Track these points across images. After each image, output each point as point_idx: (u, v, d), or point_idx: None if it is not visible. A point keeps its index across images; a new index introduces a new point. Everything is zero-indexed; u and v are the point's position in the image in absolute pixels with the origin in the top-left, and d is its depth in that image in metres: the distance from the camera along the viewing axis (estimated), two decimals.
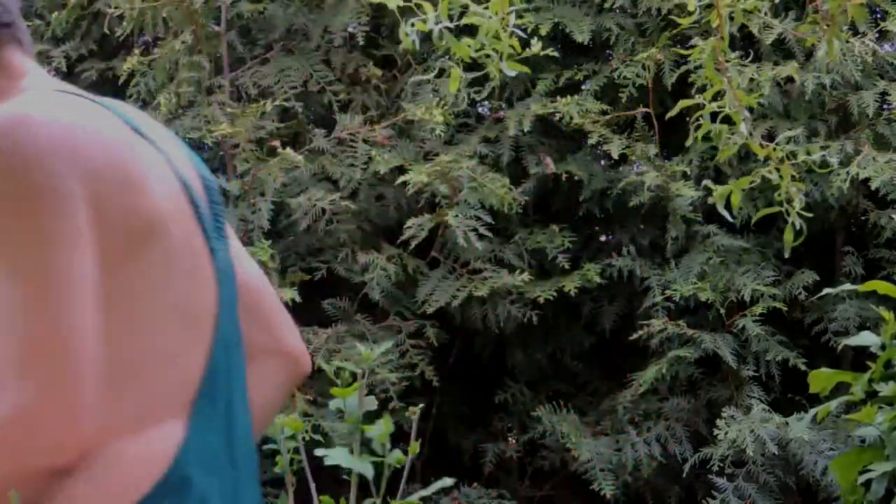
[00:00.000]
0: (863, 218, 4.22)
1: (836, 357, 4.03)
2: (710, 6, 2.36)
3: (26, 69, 1.40)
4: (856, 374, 2.56)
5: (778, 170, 2.44)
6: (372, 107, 4.35)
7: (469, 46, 2.17)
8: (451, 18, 2.15)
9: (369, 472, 2.11)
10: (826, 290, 2.90)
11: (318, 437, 3.74)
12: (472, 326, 4.26)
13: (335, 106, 4.30)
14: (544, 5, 4.28)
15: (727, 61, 2.36)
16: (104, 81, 4.69)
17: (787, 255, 2.94)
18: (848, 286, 2.82)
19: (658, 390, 4.19)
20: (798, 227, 2.42)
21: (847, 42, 3.87)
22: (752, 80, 3.87)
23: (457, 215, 3.98)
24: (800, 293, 4.01)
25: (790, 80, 4.03)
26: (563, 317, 4.48)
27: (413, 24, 2.10)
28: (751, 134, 2.27)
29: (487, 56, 2.19)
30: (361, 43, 4.24)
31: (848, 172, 3.85)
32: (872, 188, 3.88)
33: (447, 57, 2.16)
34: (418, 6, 2.13)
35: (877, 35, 3.99)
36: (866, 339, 2.56)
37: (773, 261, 4.11)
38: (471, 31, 2.26)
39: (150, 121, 1.37)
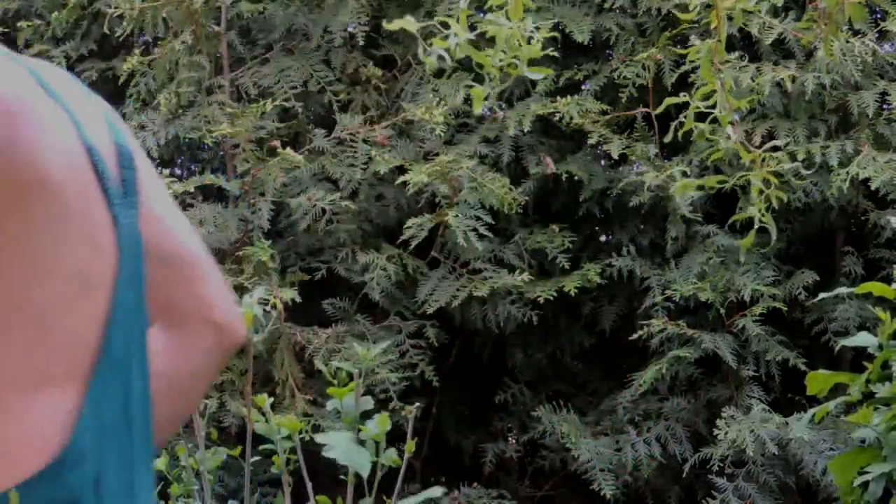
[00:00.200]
0: (863, 218, 4.22)
1: (836, 357, 4.03)
2: (709, 6, 2.36)
3: None
4: (853, 374, 2.56)
5: (776, 173, 2.44)
6: (372, 107, 4.36)
7: (490, 57, 2.18)
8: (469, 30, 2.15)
9: (366, 468, 2.11)
10: (822, 295, 2.90)
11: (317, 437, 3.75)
12: (472, 326, 4.26)
13: (335, 106, 4.30)
14: (544, 5, 4.28)
15: (726, 62, 2.36)
16: (104, 81, 4.70)
17: (741, 259, 2.95)
18: (845, 289, 2.82)
19: (658, 390, 4.19)
20: (772, 234, 2.42)
21: (847, 42, 3.87)
22: (752, 79, 3.87)
23: (457, 215, 3.98)
24: (800, 293, 4.01)
25: (791, 79, 4.02)
26: (563, 317, 4.48)
27: (435, 43, 2.11)
28: (750, 134, 2.27)
29: (511, 64, 2.20)
30: (361, 43, 4.25)
31: (848, 172, 3.85)
32: (872, 188, 3.88)
33: (455, 70, 2.15)
34: (443, 23, 2.13)
35: (877, 35, 3.99)
36: (864, 339, 2.55)
37: (773, 261, 4.11)
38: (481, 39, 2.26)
39: (69, 84, 1.34)
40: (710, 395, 4.12)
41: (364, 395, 2.21)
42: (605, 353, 4.60)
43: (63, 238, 1.19)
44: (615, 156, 4.07)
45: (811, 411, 2.66)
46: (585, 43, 4.20)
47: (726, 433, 3.76)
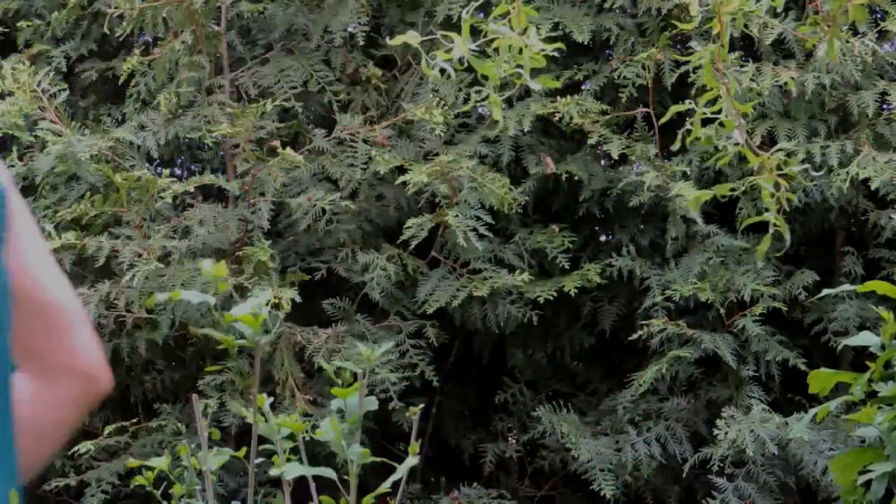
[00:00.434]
0: (863, 218, 4.22)
1: (836, 357, 4.03)
2: (710, 7, 2.36)
3: None
4: (855, 374, 2.56)
5: (781, 176, 2.44)
6: (372, 107, 4.36)
7: (494, 67, 2.18)
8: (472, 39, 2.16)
9: (332, 474, 2.11)
10: (825, 291, 2.90)
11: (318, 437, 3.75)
12: (472, 326, 4.26)
13: (335, 106, 4.30)
14: (544, 5, 4.28)
15: (727, 65, 2.36)
16: (104, 81, 4.70)
17: (759, 265, 2.96)
18: (847, 287, 2.82)
19: (658, 390, 4.19)
20: (786, 237, 2.42)
21: (847, 42, 3.87)
22: (752, 80, 3.87)
23: (457, 215, 3.98)
24: (800, 293, 4.01)
25: (793, 82, 4.02)
26: (563, 317, 4.48)
27: (439, 55, 2.11)
28: (750, 135, 2.27)
29: (514, 73, 2.20)
30: (361, 43, 4.25)
31: (848, 172, 3.85)
32: (872, 188, 3.88)
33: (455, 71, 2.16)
34: (447, 37, 2.13)
35: (877, 35, 3.99)
36: (866, 339, 2.55)
37: (773, 261, 4.11)
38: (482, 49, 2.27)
39: None
40: (710, 395, 4.12)
41: (366, 395, 2.20)
42: (605, 353, 4.60)
43: None
44: (615, 156, 4.07)
45: (812, 411, 2.66)
46: (585, 43, 4.20)
47: (726, 433, 3.76)
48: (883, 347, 2.50)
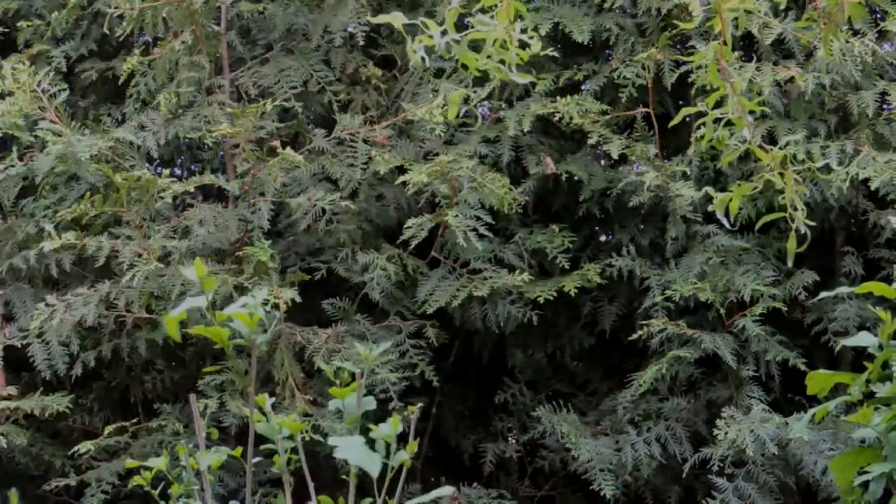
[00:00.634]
0: (863, 218, 4.22)
1: (836, 357, 4.03)
2: (710, 7, 2.36)
3: None
4: (854, 374, 2.56)
5: (782, 174, 2.44)
6: (372, 107, 4.36)
7: (477, 59, 2.18)
8: (457, 30, 2.15)
9: (376, 470, 2.10)
10: (823, 294, 2.90)
11: (318, 437, 3.75)
12: (472, 326, 4.26)
13: (335, 106, 4.30)
14: (544, 5, 4.28)
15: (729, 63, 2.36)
16: (104, 81, 4.70)
17: (789, 264, 2.95)
18: (845, 288, 2.81)
19: (658, 390, 4.19)
20: (803, 233, 2.42)
21: (847, 42, 3.87)
22: (751, 80, 3.86)
23: (457, 215, 3.98)
24: (800, 293, 4.01)
25: (790, 80, 4.02)
26: (563, 317, 4.48)
27: (419, 41, 2.11)
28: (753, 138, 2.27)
29: (496, 66, 2.20)
30: (361, 43, 4.25)
31: (848, 172, 3.85)
32: (872, 188, 3.88)
33: (455, 70, 2.16)
34: (424, 23, 2.13)
35: (876, 35, 3.99)
36: (864, 339, 2.55)
37: (773, 261, 4.11)
38: (474, 41, 2.26)
39: None
40: (710, 395, 4.12)
41: (365, 395, 2.21)
42: (605, 353, 4.60)
43: None
44: (615, 156, 4.07)
45: (811, 411, 2.66)
46: (585, 43, 4.20)
47: (726, 433, 3.76)
48: (881, 348, 2.50)
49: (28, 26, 4.58)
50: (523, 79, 2.27)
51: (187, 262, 4.01)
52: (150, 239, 3.99)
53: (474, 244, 3.93)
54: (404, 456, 2.16)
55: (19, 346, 4.12)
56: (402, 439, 2.27)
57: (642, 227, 4.39)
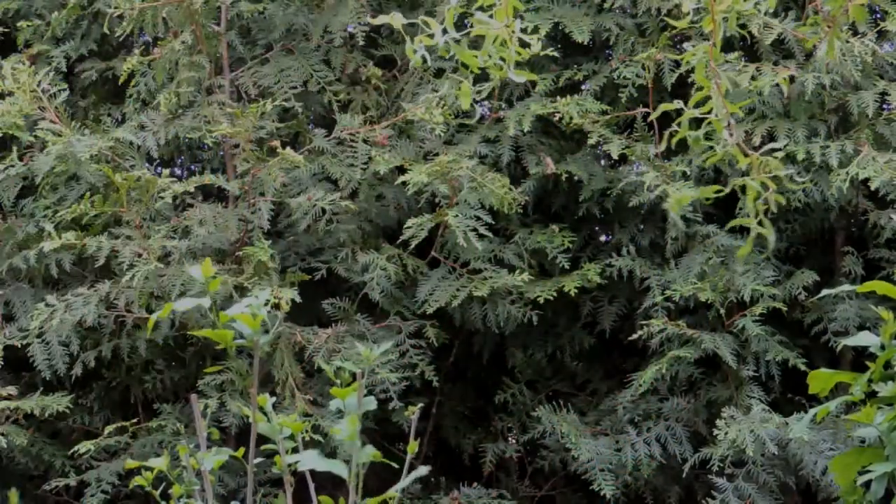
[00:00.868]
0: (863, 218, 4.22)
1: (836, 357, 4.04)
2: (705, 8, 2.36)
3: None
4: (855, 374, 2.56)
5: (774, 177, 2.43)
6: (372, 107, 4.36)
7: (476, 56, 2.17)
8: (456, 29, 2.15)
9: (345, 472, 2.11)
10: (825, 291, 2.89)
11: (318, 437, 3.76)
12: (472, 326, 4.26)
13: (335, 106, 4.30)
14: (544, 5, 4.28)
15: (725, 62, 2.36)
16: (104, 81, 4.70)
17: (740, 270, 2.96)
18: (847, 287, 2.81)
19: (658, 390, 4.19)
20: (771, 240, 2.42)
21: (847, 42, 3.87)
22: (752, 79, 3.87)
23: (457, 215, 3.98)
24: (800, 293, 4.01)
25: (790, 79, 4.03)
26: (563, 317, 4.48)
27: (419, 40, 2.11)
28: (749, 135, 2.27)
29: (495, 64, 2.20)
30: (361, 43, 4.25)
31: (848, 172, 3.85)
32: (872, 188, 3.88)
33: (455, 70, 2.16)
34: (424, 22, 2.13)
35: (876, 35, 3.99)
36: (865, 339, 2.55)
37: (772, 261, 4.11)
38: (474, 40, 2.26)
39: None
40: (710, 395, 4.12)
41: (365, 395, 2.20)
42: (605, 353, 4.60)
43: None
44: (615, 156, 4.07)
45: (812, 411, 2.66)
46: (585, 43, 4.20)
47: (726, 433, 3.76)
48: (882, 347, 2.50)
49: (28, 26, 4.58)
50: (522, 77, 2.27)
51: (187, 262, 4.01)
52: (150, 239, 3.99)
53: (474, 244, 3.93)
54: (371, 451, 2.15)
55: (19, 346, 4.12)
56: (402, 439, 2.27)
57: (642, 227, 4.39)
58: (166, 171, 4.31)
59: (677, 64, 4.11)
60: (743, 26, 3.76)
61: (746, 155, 2.33)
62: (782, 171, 2.33)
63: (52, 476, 4.26)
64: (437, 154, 4.11)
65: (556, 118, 4.15)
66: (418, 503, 4.24)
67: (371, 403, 2.16)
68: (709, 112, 2.34)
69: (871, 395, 2.52)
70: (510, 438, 4.52)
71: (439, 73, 4.26)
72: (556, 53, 4.09)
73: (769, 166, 2.23)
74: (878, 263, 4.19)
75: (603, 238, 4.62)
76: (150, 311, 4.06)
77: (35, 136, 4.17)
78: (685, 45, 4.41)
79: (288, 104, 4.21)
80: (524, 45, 2.24)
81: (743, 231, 4.10)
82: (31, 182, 4.32)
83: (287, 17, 4.40)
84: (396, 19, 2.28)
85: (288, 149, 3.99)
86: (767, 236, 2.37)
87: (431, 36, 2.16)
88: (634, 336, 4.01)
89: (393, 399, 3.93)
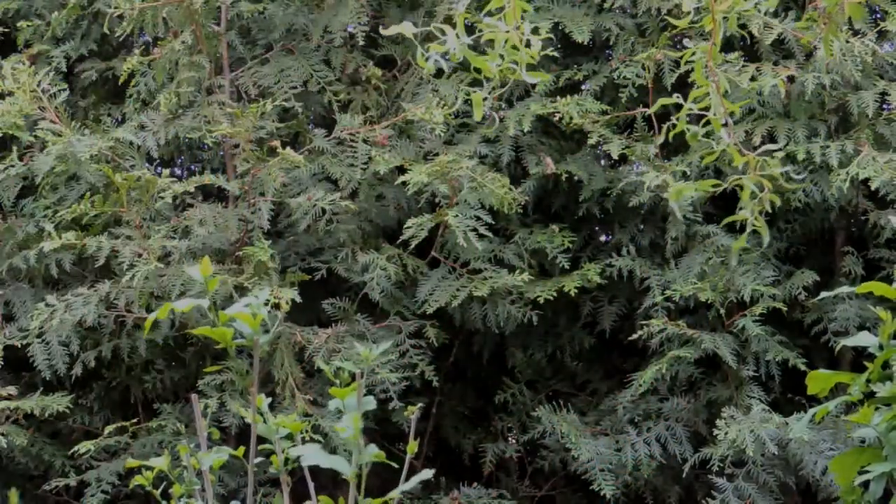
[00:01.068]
0: (863, 218, 4.22)
1: (836, 357, 4.03)
2: (705, 8, 2.36)
3: None
4: (854, 374, 2.56)
5: (769, 177, 2.44)
6: (372, 107, 4.36)
7: (488, 61, 2.18)
8: (467, 32, 2.16)
9: (348, 469, 2.11)
10: (823, 294, 2.90)
11: (318, 437, 3.76)
12: (472, 326, 4.27)
13: (335, 106, 4.30)
14: (544, 5, 4.28)
15: (724, 62, 2.36)
16: (104, 81, 4.70)
17: (732, 263, 2.96)
18: (846, 288, 2.81)
19: (658, 390, 4.19)
20: (764, 237, 2.42)
21: (847, 42, 3.87)
22: (753, 79, 3.87)
23: (457, 215, 3.98)
24: (800, 293, 4.01)
25: (790, 79, 4.03)
26: (563, 317, 4.48)
27: (430, 48, 2.11)
28: (749, 135, 2.27)
29: (508, 67, 2.20)
30: (361, 43, 4.25)
31: (848, 172, 3.85)
32: (872, 188, 3.88)
33: (455, 71, 2.16)
34: (440, 30, 2.13)
35: (876, 35, 3.99)
36: (864, 339, 2.55)
37: (772, 261, 4.11)
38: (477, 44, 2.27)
39: None
40: (710, 395, 4.13)
41: (365, 395, 2.21)
42: (605, 353, 4.61)
43: None
44: (615, 156, 4.07)
45: (811, 411, 2.66)
46: (585, 43, 4.20)
47: (726, 433, 3.76)
48: (881, 348, 2.50)
49: (28, 26, 4.58)
50: (535, 78, 2.27)
51: (187, 262, 4.01)
52: (150, 239, 3.99)
53: (474, 244, 3.93)
54: (375, 450, 2.15)
55: (19, 346, 4.12)
56: (402, 439, 2.28)
57: (642, 227, 4.39)
58: (166, 171, 4.31)
59: (677, 64, 4.10)
60: (743, 26, 3.76)
61: (743, 154, 2.33)
62: (779, 170, 2.33)
63: (52, 476, 4.27)
64: (437, 154, 4.12)
65: (556, 118, 4.15)
66: (418, 503, 4.24)
67: (371, 403, 2.16)
68: (706, 109, 2.34)
69: (869, 395, 2.52)
70: (510, 438, 4.52)
71: (439, 72, 4.26)
72: (556, 53, 4.10)
73: (767, 166, 2.23)
74: (878, 263, 4.19)
75: (603, 238, 4.62)
76: (150, 311, 4.06)
77: (35, 136, 4.18)
78: (685, 44, 4.41)
79: (288, 104, 4.21)
80: (527, 45, 2.25)
81: (743, 231, 4.09)
82: (31, 182, 4.32)
83: (287, 17, 4.41)
84: (407, 28, 2.28)
85: (288, 149, 3.99)
86: (762, 234, 2.37)
87: (443, 43, 2.17)
88: (634, 336, 4.01)
89: (393, 399, 3.93)
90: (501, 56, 2.24)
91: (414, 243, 4.05)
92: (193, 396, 2.32)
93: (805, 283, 4.02)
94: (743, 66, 3.94)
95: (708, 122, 2.38)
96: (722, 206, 4.20)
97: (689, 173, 4.07)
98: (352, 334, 4.06)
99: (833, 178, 3.89)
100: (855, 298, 4.00)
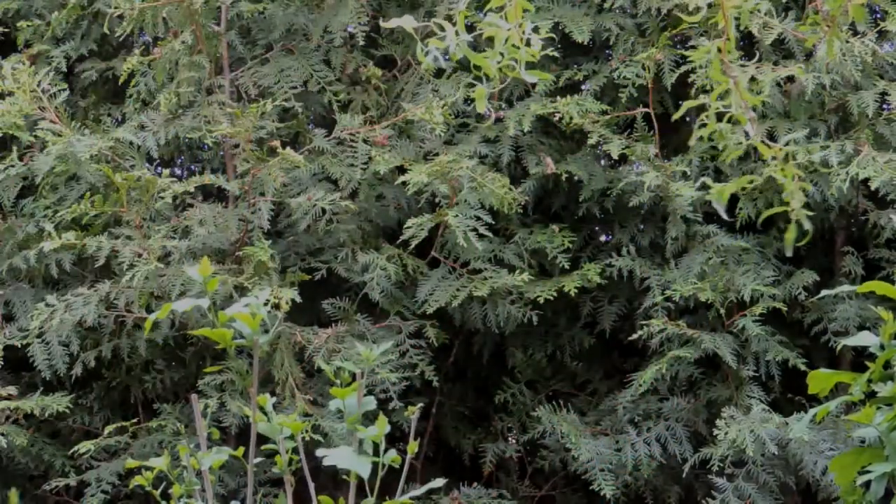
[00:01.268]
0: (863, 218, 4.22)
1: (836, 357, 4.04)
2: (712, 5, 2.36)
3: None
4: (855, 374, 2.56)
5: (783, 170, 2.44)
6: (372, 107, 4.36)
7: (488, 59, 2.18)
8: (467, 31, 2.15)
9: (366, 472, 2.11)
10: (824, 292, 2.90)
11: (318, 437, 3.76)
12: (472, 326, 4.26)
13: (335, 106, 4.30)
14: (544, 5, 4.28)
15: (732, 61, 2.36)
16: (104, 81, 4.70)
17: (788, 254, 2.93)
18: (846, 287, 2.81)
19: (658, 390, 4.19)
20: (805, 228, 2.41)
21: (847, 42, 3.87)
22: (752, 79, 3.86)
23: (457, 215, 3.98)
24: (800, 293, 4.01)
25: (790, 79, 4.03)
26: (563, 317, 4.48)
27: (430, 44, 2.11)
28: (746, 133, 2.27)
29: (508, 65, 2.20)
30: (361, 43, 4.25)
31: (848, 172, 3.84)
32: (872, 188, 3.88)
33: (455, 70, 2.15)
34: (439, 26, 2.13)
35: (876, 35, 3.99)
36: (865, 339, 2.55)
37: (773, 261, 4.11)
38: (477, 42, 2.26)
39: None
40: (710, 395, 4.13)
41: (365, 395, 2.21)
42: (605, 353, 4.61)
43: None
44: (615, 156, 4.07)
45: (812, 411, 2.66)
46: (585, 43, 4.20)
47: (726, 433, 3.76)
48: (882, 347, 2.50)
49: (28, 26, 4.58)
50: (534, 77, 2.27)
51: (187, 262, 4.01)
52: (150, 239, 3.99)
53: (474, 244, 3.93)
54: (393, 454, 2.16)
55: (19, 346, 4.12)
56: (401, 439, 2.28)
57: (642, 227, 4.39)
58: (166, 171, 4.31)
59: (677, 64, 4.11)
60: (741, 28, 3.76)
61: (769, 147, 2.33)
62: (817, 156, 2.32)
63: (52, 476, 4.26)
64: (437, 154, 4.11)
65: (556, 118, 4.15)
66: (418, 503, 4.24)
67: (371, 403, 2.17)
68: (727, 107, 2.34)
69: (870, 395, 2.52)
70: (510, 438, 4.52)
71: (439, 72, 4.26)
72: (556, 53, 4.10)
73: (794, 159, 2.23)
74: (878, 263, 4.19)
75: (603, 238, 4.62)
76: (150, 311, 4.06)
77: (35, 136, 4.18)
78: (685, 45, 4.41)
79: (288, 104, 4.21)
80: (527, 44, 2.25)
81: (743, 231, 4.10)
82: (31, 182, 4.32)
83: (287, 17, 4.40)
84: (407, 22, 2.28)
85: (288, 149, 3.99)
86: (805, 226, 2.36)
87: (443, 39, 2.16)
88: (634, 336, 4.01)
89: (393, 399, 3.93)
90: (501, 54, 2.23)
91: (414, 243, 4.05)
92: (193, 396, 2.32)
93: (805, 283, 4.02)
94: (741, 65, 3.93)
95: (730, 119, 2.38)
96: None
97: (689, 173, 4.07)
98: (352, 334, 4.06)
99: (833, 178, 3.89)
100: (855, 298, 4.00)
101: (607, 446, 4.05)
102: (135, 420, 4.20)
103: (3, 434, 3.99)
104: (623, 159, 4.19)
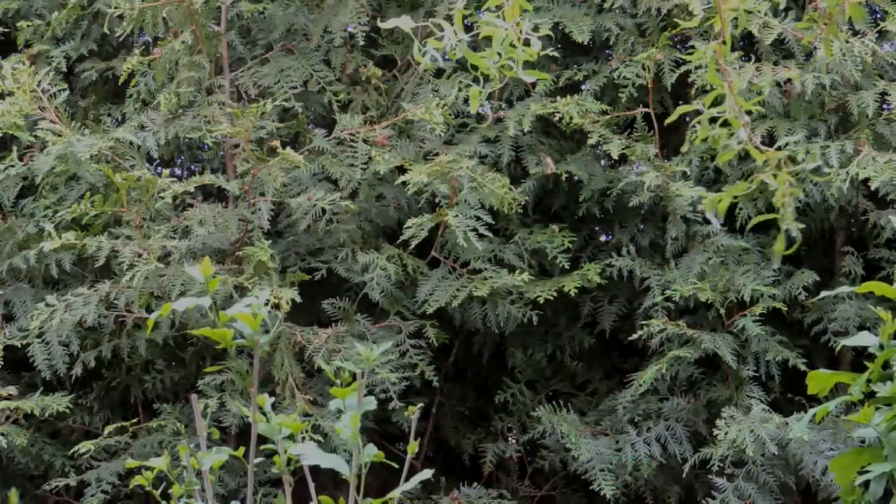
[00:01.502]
0: (863, 218, 4.22)
1: (836, 357, 4.04)
2: (711, 7, 2.36)
3: None
4: (854, 374, 2.56)
5: (775, 175, 2.44)
6: (372, 107, 4.36)
7: (485, 59, 2.18)
8: (466, 31, 2.15)
9: (347, 469, 2.11)
10: (824, 293, 2.90)
11: (318, 437, 3.76)
12: (472, 326, 4.27)
13: (335, 106, 4.30)
14: (544, 5, 4.28)
15: (729, 63, 2.36)
16: (104, 81, 4.70)
17: (775, 265, 2.94)
18: (846, 288, 2.81)
19: (658, 390, 4.19)
20: (794, 235, 2.41)
21: (847, 42, 3.87)
22: (751, 82, 3.86)
23: (457, 215, 3.98)
24: (800, 293, 4.01)
25: (790, 80, 4.02)
26: (563, 317, 4.48)
27: (429, 43, 2.11)
28: (750, 138, 2.27)
29: (505, 65, 2.20)
30: (361, 43, 4.25)
31: (848, 172, 3.84)
32: (872, 188, 3.88)
33: (455, 70, 2.15)
34: (437, 25, 2.13)
35: (876, 35, 3.99)
36: (865, 339, 2.55)
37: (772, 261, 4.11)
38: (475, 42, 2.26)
39: None
40: (710, 395, 4.13)
41: (365, 395, 2.21)
42: (605, 353, 4.61)
43: None
44: (615, 156, 4.07)
45: (811, 411, 2.66)
46: (585, 43, 4.20)
47: (726, 433, 3.76)
48: (881, 348, 2.50)
49: (28, 26, 4.58)
50: (532, 77, 2.27)
51: (187, 262, 4.01)
52: (150, 239, 3.99)
53: (474, 244, 3.93)
54: (374, 450, 2.16)
55: (19, 346, 4.12)
56: (402, 439, 2.28)
57: (642, 227, 4.39)
58: (166, 171, 4.31)
59: (677, 64, 4.11)
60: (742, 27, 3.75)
61: (761, 152, 2.33)
62: (810, 166, 2.32)
63: (52, 476, 4.27)
64: (437, 154, 4.12)
65: (556, 118, 4.15)
66: (418, 503, 4.24)
67: (371, 403, 2.17)
68: (720, 111, 2.34)
69: (869, 395, 2.52)
70: (510, 438, 4.52)
71: (439, 73, 4.26)
72: (556, 53, 4.10)
73: (790, 162, 2.23)
74: (878, 263, 4.19)
75: (603, 238, 4.62)
76: (150, 311, 4.06)
77: (35, 136, 4.18)
78: (685, 45, 4.41)
79: (288, 104, 4.21)
80: (526, 43, 2.25)
81: (743, 231, 4.10)
82: (31, 182, 4.32)
83: (287, 17, 4.41)
84: (405, 22, 2.28)
85: (288, 149, 3.99)
86: (794, 233, 2.36)
87: (440, 39, 2.16)
88: (634, 336, 4.01)
89: (393, 399, 3.93)
90: (499, 54, 2.23)
91: (414, 243, 4.05)
92: (193, 396, 2.32)
93: (805, 283, 4.02)
94: (741, 65, 3.94)
95: (724, 123, 2.38)
96: None
97: (689, 173, 4.07)
98: (352, 334, 4.06)
99: (833, 178, 3.89)
100: (855, 298, 4.00)
101: (607, 446, 4.05)
102: (135, 420, 4.20)
103: (3, 434, 3.99)
104: (623, 159, 4.19)
